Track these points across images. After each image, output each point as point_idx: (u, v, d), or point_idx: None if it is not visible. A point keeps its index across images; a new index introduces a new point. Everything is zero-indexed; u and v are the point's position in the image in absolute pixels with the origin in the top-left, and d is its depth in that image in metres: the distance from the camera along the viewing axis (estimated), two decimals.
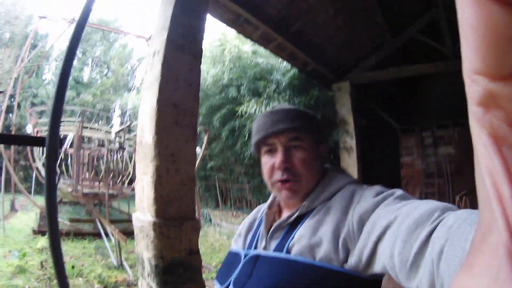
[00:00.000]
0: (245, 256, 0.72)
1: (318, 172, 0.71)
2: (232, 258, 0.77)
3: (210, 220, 6.82)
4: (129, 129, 8.99)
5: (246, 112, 5.32)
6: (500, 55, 0.11)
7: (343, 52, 3.99)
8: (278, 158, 0.68)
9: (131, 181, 8.53)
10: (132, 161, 8.78)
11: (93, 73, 20.99)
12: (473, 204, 3.45)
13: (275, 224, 0.70)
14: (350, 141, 4.25)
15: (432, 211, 0.44)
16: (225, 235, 5.65)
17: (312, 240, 0.62)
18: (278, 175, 0.68)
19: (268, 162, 0.70)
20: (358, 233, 0.56)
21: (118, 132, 8.76)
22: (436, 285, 0.37)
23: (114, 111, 20.08)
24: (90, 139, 11.04)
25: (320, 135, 0.74)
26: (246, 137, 5.67)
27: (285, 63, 4.84)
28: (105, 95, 18.83)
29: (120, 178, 8.89)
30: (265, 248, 0.71)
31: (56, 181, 1.28)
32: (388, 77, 4.23)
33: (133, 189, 7.59)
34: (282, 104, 0.72)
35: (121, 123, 15.70)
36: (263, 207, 0.85)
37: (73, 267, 3.44)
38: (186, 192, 2.45)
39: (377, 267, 0.53)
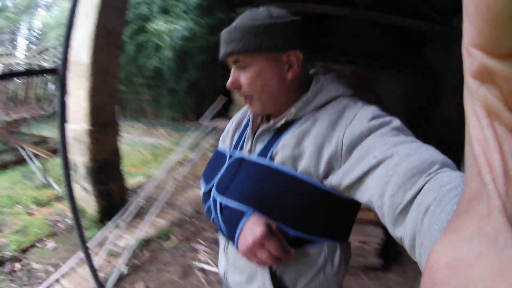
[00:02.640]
0: (230, 157, 0.72)
1: (276, 88, 0.64)
2: (218, 158, 0.77)
3: None
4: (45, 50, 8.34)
5: (155, 29, 5.67)
6: (497, 33, 0.11)
7: None
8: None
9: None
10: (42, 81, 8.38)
11: None
12: None
13: (261, 128, 0.68)
14: None
15: (433, 161, 0.41)
16: (124, 143, 5.92)
17: (295, 151, 0.60)
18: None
19: None
20: (346, 155, 0.54)
21: (37, 54, 8.08)
22: (417, 241, 0.36)
23: (20, 32, 17.63)
24: None
25: (284, 43, 0.62)
26: (151, 51, 6.09)
27: None
28: (19, 17, 16.25)
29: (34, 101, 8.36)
30: (250, 150, 0.70)
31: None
32: (293, 10, 4.54)
33: (42, 109, 7.50)
34: (250, 12, 0.64)
35: (29, 44, 14.12)
36: None
37: (10, 197, 3.48)
38: (111, 101, 2.91)
39: (362, 198, 0.51)
